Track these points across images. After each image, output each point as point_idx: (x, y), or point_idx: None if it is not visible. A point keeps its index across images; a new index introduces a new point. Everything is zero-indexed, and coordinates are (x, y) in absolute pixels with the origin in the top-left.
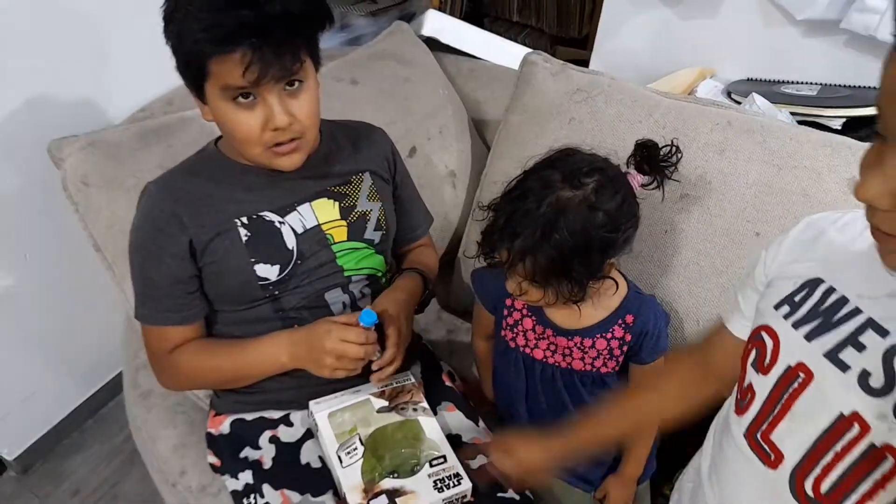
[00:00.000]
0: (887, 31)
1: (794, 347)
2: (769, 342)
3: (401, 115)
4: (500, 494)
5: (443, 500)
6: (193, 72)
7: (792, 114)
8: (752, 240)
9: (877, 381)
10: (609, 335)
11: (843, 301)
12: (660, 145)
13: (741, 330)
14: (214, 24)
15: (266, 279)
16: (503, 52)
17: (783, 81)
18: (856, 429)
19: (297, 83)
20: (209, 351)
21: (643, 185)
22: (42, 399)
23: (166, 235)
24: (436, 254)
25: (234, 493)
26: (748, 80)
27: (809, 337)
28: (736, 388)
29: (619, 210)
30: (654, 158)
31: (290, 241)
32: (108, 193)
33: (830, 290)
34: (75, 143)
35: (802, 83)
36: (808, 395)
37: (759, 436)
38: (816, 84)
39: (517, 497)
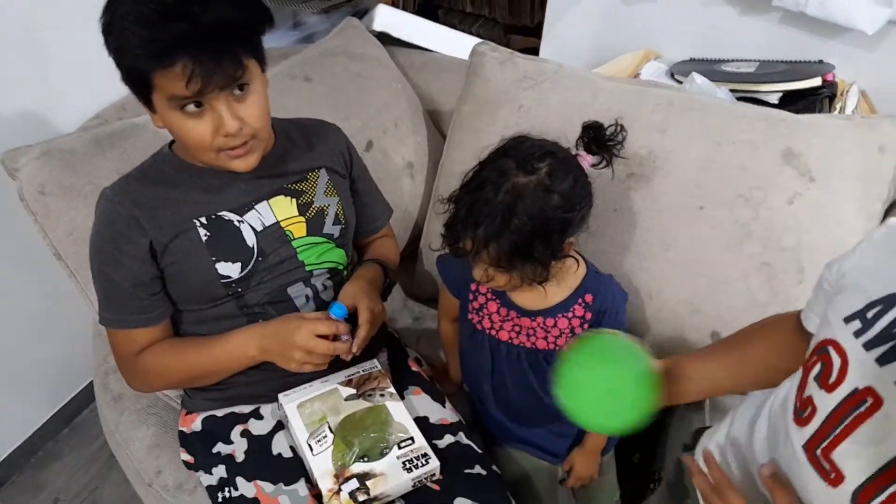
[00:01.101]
0: (815, 8)
1: (864, 370)
2: (836, 359)
3: (355, 110)
4: (467, 471)
5: (412, 480)
6: (137, 84)
7: (731, 91)
8: (696, 213)
9: None
10: (570, 314)
11: None
12: (605, 126)
13: (814, 328)
14: (151, 40)
15: (228, 277)
16: (454, 43)
17: (724, 60)
18: None
19: (243, 87)
20: (177, 350)
21: (593, 165)
22: (14, 411)
23: (125, 238)
24: (396, 243)
25: (209, 488)
26: (691, 60)
27: (882, 361)
28: (795, 395)
29: (573, 190)
30: (600, 138)
31: (251, 239)
32: (66, 201)
33: None
34: (30, 153)
35: (742, 60)
36: (874, 421)
37: (818, 452)
38: (755, 61)
39: (484, 472)
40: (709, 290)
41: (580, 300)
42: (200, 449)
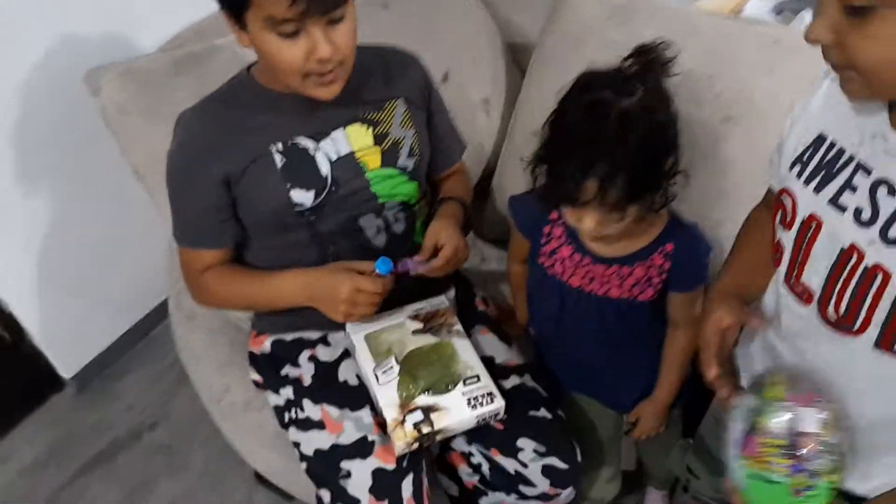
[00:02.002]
0: None
1: (807, 201)
2: (788, 201)
3: (433, 40)
4: (531, 413)
5: (476, 417)
6: (234, 0)
7: None
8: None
9: (866, 214)
10: (648, 263)
11: (841, 151)
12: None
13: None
14: None
15: (301, 205)
16: None
17: None
18: (854, 256)
19: (339, 15)
20: (233, 279)
21: None
22: (93, 323)
23: (199, 164)
24: (469, 181)
25: (276, 408)
26: None
27: (817, 189)
28: (771, 246)
29: (671, 104)
30: (650, 61)
31: (325, 168)
32: (146, 120)
33: (832, 145)
34: (111, 71)
35: None
36: (820, 239)
37: (793, 280)
38: None
39: (549, 416)
40: None
41: (660, 249)
42: (269, 370)
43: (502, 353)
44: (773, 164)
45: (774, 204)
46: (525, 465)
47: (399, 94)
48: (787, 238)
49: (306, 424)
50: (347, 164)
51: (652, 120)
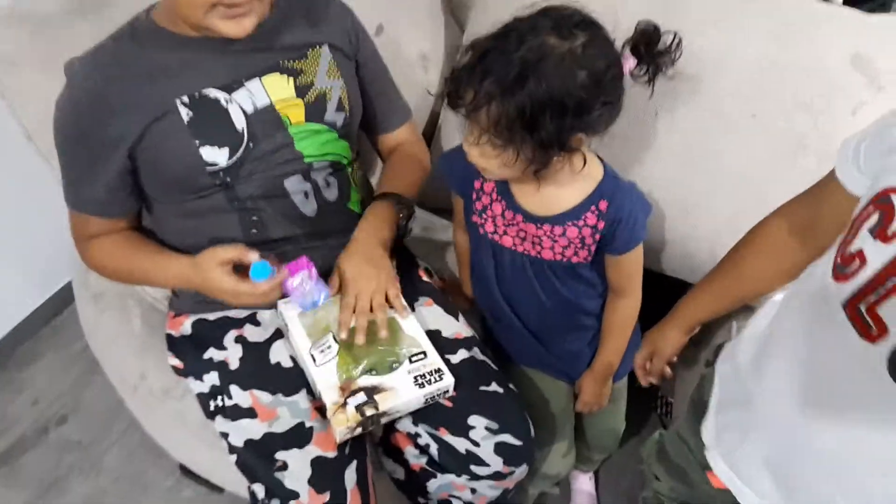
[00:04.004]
0: None
1: None
2: None
3: None
4: (482, 388)
5: (424, 396)
6: None
7: None
8: (748, 121)
9: None
10: (581, 223)
11: None
12: (663, 33)
13: (854, 184)
14: None
15: (214, 164)
16: None
17: None
18: None
19: None
20: (122, 252)
21: (632, 72)
22: None
23: (91, 121)
24: (423, 151)
25: (200, 396)
26: None
27: None
28: (836, 252)
29: (605, 74)
30: (652, 45)
31: (240, 122)
32: (40, 74)
33: None
34: None
35: None
36: None
37: (862, 306)
38: None
39: (500, 390)
40: (755, 208)
41: (593, 207)
42: (190, 353)
43: (449, 326)
44: (854, 152)
45: (868, 204)
46: (477, 444)
47: (323, 39)
48: (879, 252)
49: (235, 412)
50: (266, 117)
51: (569, 72)
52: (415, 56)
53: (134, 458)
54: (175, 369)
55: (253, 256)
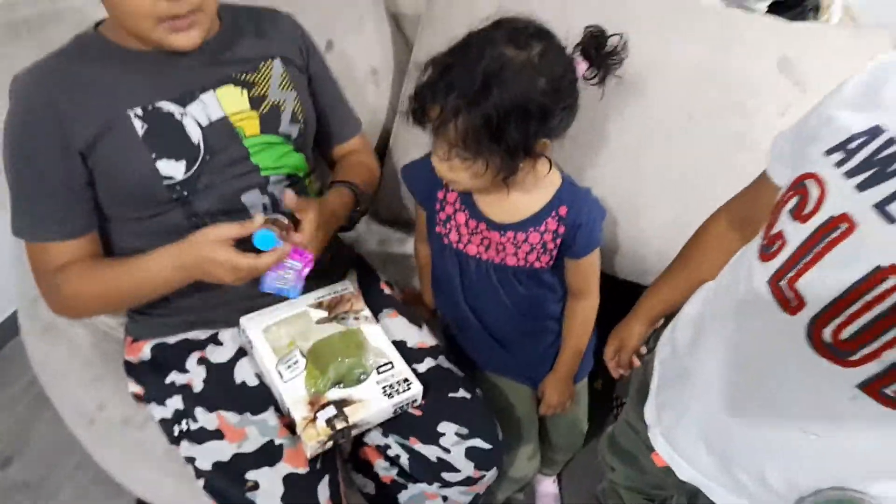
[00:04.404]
0: None
1: (842, 197)
2: (815, 190)
3: (312, 5)
4: (450, 395)
5: (393, 406)
6: None
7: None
8: (687, 122)
9: None
10: (542, 228)
11: None
12: (609, 36)
13: (782, 179)
14: None
15: (171, 178)
16: None
17: None
18: (891, 281)
19: None
20: (94, 271)
21: (584, 75)
22: None
23: (41, 130)
24: (374, 161)
25: (163, 422)
26: None
27: (861, 187)
28: (762, 236)
29: (562, 80)
30: (601, 47)
31: (195, 135)
32: None
33: (891, 141)
34: None
35: None
36: (845, 245)
37: (783, 282)
38: None
39: (468, 395)
40: (699, 206)
41: (554, 213)
42: (151, 379)
43: (414, 336)
44: (780, 148)
45: (788, 190)
46: (447, 451)
47: (275, 52)
48: (797, 232)
49: (201, 436)
50: (221, 129)
51: (529, 80)
52: (365, 71)
53: (88, 496)
54: (135, 396)
55: (258, 220)
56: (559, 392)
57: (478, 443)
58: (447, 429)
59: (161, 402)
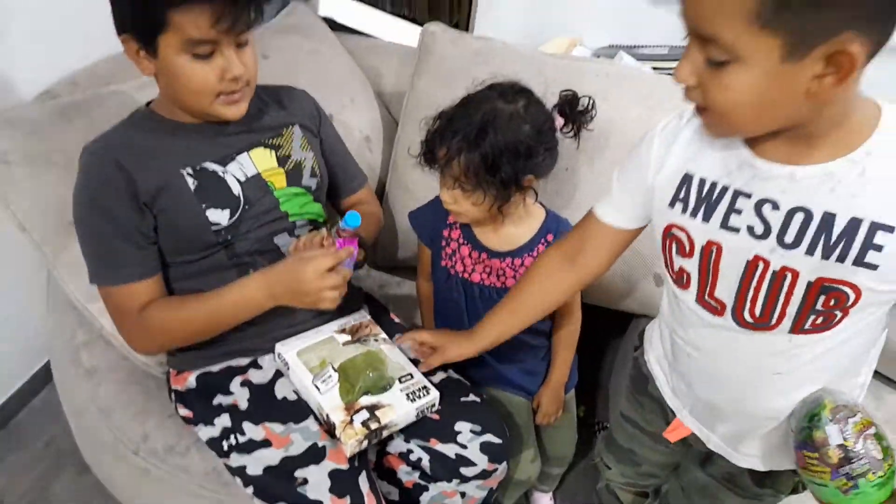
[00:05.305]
0: None
1: (700, 231)
2: (681, 234)
3: (313, 84)
4: (463, 399)
5: (416, 409)
6: (150, 23)
7: (653, 69)
8: None
9: (759, 229)
10: (535, 252)
11: (714, 185)
12: (579, 98)
13: (619, 221)
14: None
15: (218, 224)
16: (396, 29)
17: (640, 46)
18: (761, 265)
19: (247, 38)
20: (181, 305)
21: (562, 128)
22: None
23: (114, 187)
24: (378, 212)
25: (211, 441)
26: (610, 46)
27: (705, 219)
28: (668, 273)
29: (543, 126)
30: (574, 107)
31: (236, 188)
32: (31, 169)
33: (702, 180)
34: None
35: (655, 46)
36: (724, 258)
37: (706, 297)
38: (665, 46)
39: (478, 399)
40: (646, 235)
41: (543, 240)
42: (199, 403)
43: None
44: (615, 199)
45: (664, 240)
46: (464, 447)
47: (295, 120)
48: (691, 264)
49: (249, 446)
50: (256, 183)
51: (517, 126)
52: (360, 138)
53: None
54: (185, 419)
55: (323, 232)
56: (553, 401)
57: (490, 438)
58: (463, 427)
59: (209, 423)
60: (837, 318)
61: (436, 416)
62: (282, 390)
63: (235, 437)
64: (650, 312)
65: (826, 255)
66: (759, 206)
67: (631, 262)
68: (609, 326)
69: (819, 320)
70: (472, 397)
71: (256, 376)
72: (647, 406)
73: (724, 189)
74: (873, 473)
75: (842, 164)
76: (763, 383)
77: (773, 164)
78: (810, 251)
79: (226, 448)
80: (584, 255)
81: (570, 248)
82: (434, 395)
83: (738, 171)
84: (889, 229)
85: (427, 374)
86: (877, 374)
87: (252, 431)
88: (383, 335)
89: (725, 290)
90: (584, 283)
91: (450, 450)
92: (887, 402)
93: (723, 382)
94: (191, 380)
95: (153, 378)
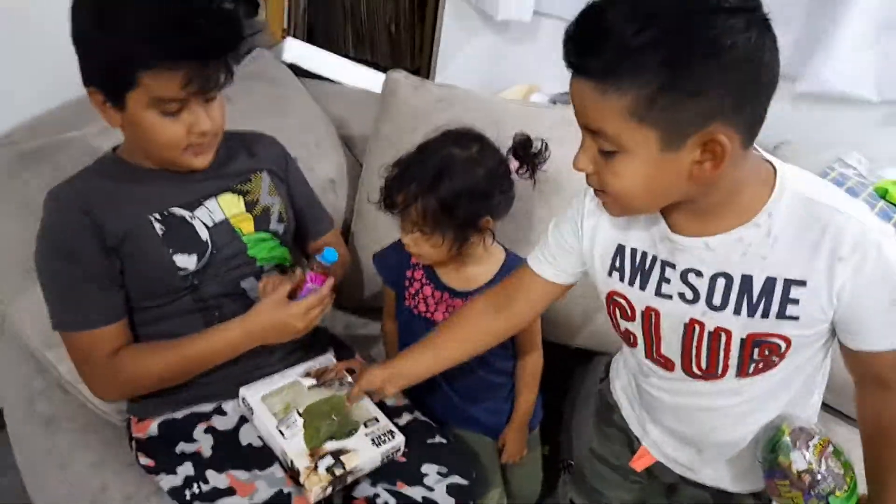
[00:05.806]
0: None
1: (637, 298)
2: (621, 300)
3: (278, 129)
4: (429, 441)
5: (381, 454)
6: (119, 81)
7: None
8: None
9: (689, 295)
10: None
11: (644, 254)
12: (533, 141)
13: (552, 275)
14: (161, 43)
15: (185, 269)
16: (359, 76)
17: None
18: (697, 327)
19: (216, 93)
20: (154, 350)
21: (517, 170)
22: None
23: (79, 233)
24: (345, 254)
25: (173, 491)
26: (566, 92)
27: (641, 287)
28: (618, 334)
29: (496, 169)
30: (527, 149)
31: (203, 234)
32: None
33: (634, 251)
34: None
35: None
36: (664, 322)
37: (654, 355)
38: None
39: (444, 440)
40: None
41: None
42: (161, 451)
43: (391, 398)
44: (549, 257)
45: (608, 305)
46: (431, 489)
47: (263, 166)
48: (635, 327)
49: (213, 495)
50: (223, 229)
51: (471, 171)
52: (325, 180)
53: None
54: (146, 468)
55: (298, 272)
56: (517, 441)
57: (456, 479)
58: (429, 469)
59: (171, 471)
60: (776, 363)
61: (402, 459)
62: (246, 437)
63: (199, 486)
64: (610, 350)
65: (751, 314)
66: (684, 275)
67: (592, 299)
68: (571, 364)
69: (760, 366)
70: (438, 439)
71: (220, 423)
72: (613, 437)
73: (654, 259)
74: (839, 490)
75: (748, 228)
76: (721, 416)
77: (686, 238)
78: (737, 311)
79: (188, 497)
80: (517, 304)
81: (503, 296)
82: (399, 439)
83: (661, 244)
84: (801, 283)
85: (393, 417)
86: (825, 406)
87: (216, 479)
88: (349, 379)
89: (670, 349)
90: (513, 331)
91: (417, 493)
92: (836, 433)
93: (682, 419)
94: (153, 427)
95: (111, 426)
